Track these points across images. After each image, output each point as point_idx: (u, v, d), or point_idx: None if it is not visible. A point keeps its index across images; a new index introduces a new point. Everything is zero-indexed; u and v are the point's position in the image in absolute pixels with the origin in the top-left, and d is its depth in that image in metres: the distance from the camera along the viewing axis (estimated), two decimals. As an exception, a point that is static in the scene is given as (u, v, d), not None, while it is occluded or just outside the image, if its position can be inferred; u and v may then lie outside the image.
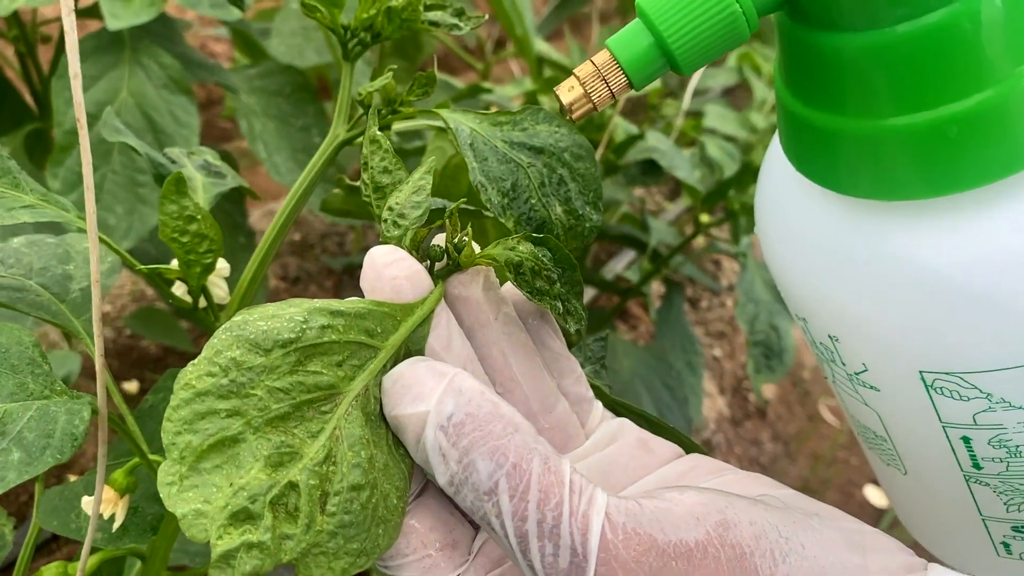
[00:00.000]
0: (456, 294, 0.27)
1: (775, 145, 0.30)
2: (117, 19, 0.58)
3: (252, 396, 0.21)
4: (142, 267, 0.33)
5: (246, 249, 0.70)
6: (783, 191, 0.29)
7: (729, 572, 0.22)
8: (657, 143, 0.76)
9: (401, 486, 0.24)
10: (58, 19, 0.75)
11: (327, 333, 0.23)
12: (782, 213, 0.29)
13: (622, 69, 0.25)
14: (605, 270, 1.29)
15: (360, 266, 0.26)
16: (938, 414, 0.27)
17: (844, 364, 0.29)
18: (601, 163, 0.80)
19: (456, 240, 0.27)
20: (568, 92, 0.26)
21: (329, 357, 0.23)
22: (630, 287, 0.93)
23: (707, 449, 1.24)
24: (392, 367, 0.24)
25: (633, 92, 0.27)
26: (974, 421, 0.27)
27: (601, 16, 2.38)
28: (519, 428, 0.23)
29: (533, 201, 0.31)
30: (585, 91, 0.26)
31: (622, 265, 1.25)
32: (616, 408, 0.35)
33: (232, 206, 0.71)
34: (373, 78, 0.35)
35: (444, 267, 0.27)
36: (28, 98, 0.77)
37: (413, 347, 0.25)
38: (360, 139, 0.36)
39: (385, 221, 0.28)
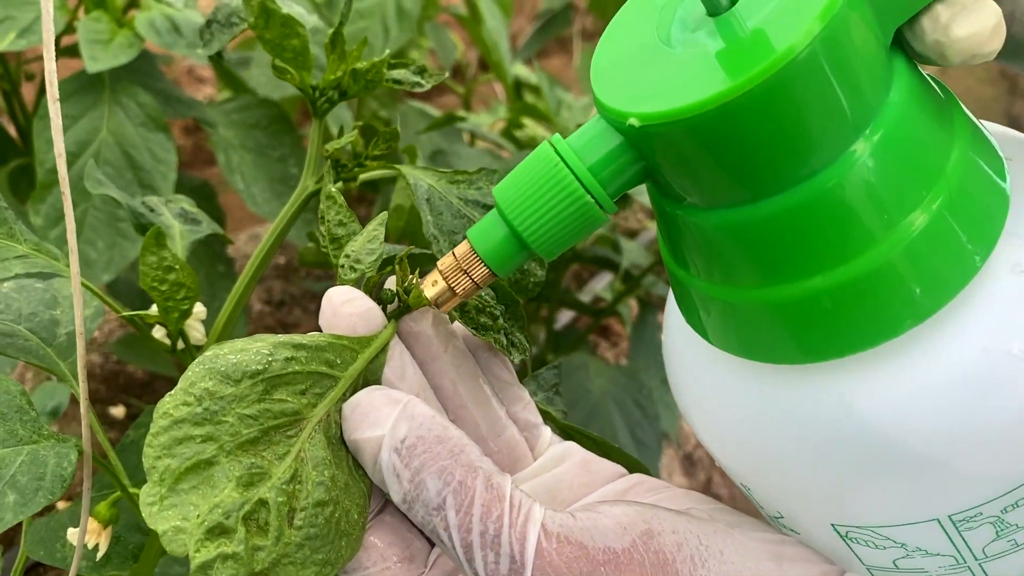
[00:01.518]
0: (408, 330, 0.29)
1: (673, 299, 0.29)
2: (96, 62, 0.60)
3: (224, 423, 0.24)
4: (124, 313, 0.36)
5: (225, 278, 0.72)
6: (685, 347, 0.28)
7: (652, 574, 0.24)
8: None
9: (361, 503, 0.26)
10: (41, 57, 0.78)
11: (291, 364, 0.25)
12: (687, 367, 0.28)
13: (482, 260, 0.26)
14: (585, 290, 1.32)
15: None
16: (859, 559, 0.27)
17: (763, 508, 0.29)
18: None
19: (406, 284, 0.29)
20: (432, 287, 0.27)
21: (293, 386, 0.25)
22: (603, 308, 0.95)
23: (689, 464, 1.27)
24: (351, 395, 0.26)
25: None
26: (896, 567, 0.27)
27: (584, 34, 2.41)
28: (465, 449, 0.25)
29: None
30: (448, 285, 0.27)
31: (602, 285, 1.27)
32: (567, 432, 0.37)
33: (211, 236, 0.73)
34: (358, 119, 0.38)
35: (396, 308, 0.30)
36: (13, 133, 0.79)
37: (371, 377, 0.27)
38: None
39: (342, 267, 0.30)
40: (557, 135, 0.25)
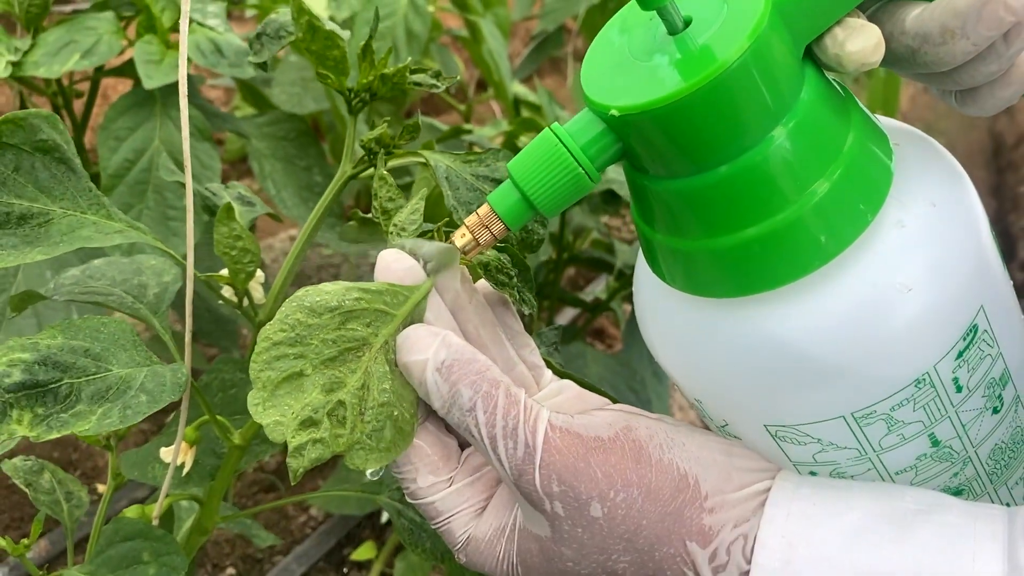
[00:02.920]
0: (442, 285, 0.37)
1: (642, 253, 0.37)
2: (151, 79, 0.69)
3: (311, 344, 0.32)
4: (202, 275, 0.43)
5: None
6: (650, 290, 0.36)
7: (630, 454, 0.32)
8: (615, 175, 0.87)
9: (412, 409, 0.34)
10: (88, 78, 0.86)
11: (360, 303, 0.33)
12: (651, 305, 0.36)
13: (499, 218, 0.33)
14: (585, 292, 1.40)
15: None
16: (787, 456, 0.35)
17: (712, 419, 0.36)
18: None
19: None
20: (461, 238, 0.34)
21: (361, 319, 0.33)
22: (601, 304, 1.03)
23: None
24: (403, 328, 0.34)
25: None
26: (815, 460, 0.34)
27: (577, 56, 2.50)
28: (490, 368, 0.33)
29: None
30: (474, 236, 0.34)
31: (600, 287, 1.35)
32: (564, 376, 0.45)
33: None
34: (371, 126, 0.46)
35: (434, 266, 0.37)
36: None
37: (416, 317, 0.35)
38: (363, 174, 0.46)
39: (391, 233, 0.38)
40: (556, 123, 0.33)
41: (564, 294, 1.02)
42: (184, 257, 0.41)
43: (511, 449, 0.32)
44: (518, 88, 1.57)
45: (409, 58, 1.08)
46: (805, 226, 0.30)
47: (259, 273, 0.46)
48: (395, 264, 0.35)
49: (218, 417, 0.41)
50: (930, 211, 0.32)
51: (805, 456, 0.34)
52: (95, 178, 0.81)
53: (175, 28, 0.77)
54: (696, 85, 0.28)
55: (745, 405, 0.34)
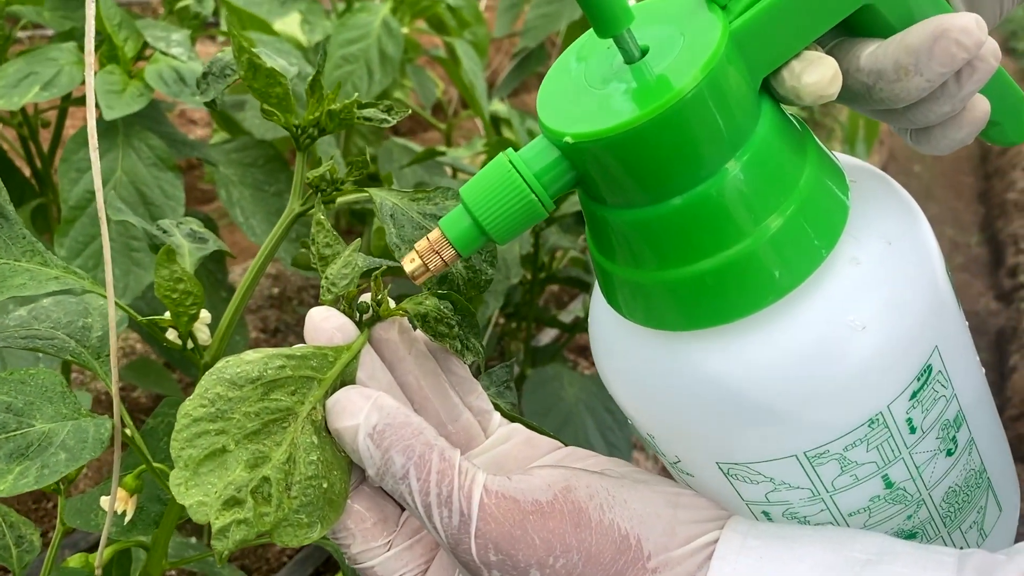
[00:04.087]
0: (378, 337, 0.36)
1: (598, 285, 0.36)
2: (112, 110, 0.68)
3: (232, 419, 0.31)
4: (142, 319, 0.43)
5: (226, 302, 0.79)
6: (604, 321, 0.35)
7: (570, 518, 0.31)
8: (588, 196, 0.87)
9: (344, 478, 0.33)
10: (55, 107, 0.85)
11: (283, 371, 0.32)
12: (604, 337, 0.35)
13: (450, 243, 0.32)
14: (569, 310, 1.39)
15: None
16: (739, 494, 0.34)
17: (664, 455, 0.36)
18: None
19: (379, 297, 0.36)
20: (410, 263, 0.33)
21: (285, 388, 0.32)
22: (580, 323, 1.03)
23: (657, 463, 1.32)
24: (332, 393, 0.33)
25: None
26: (767, 500, 0.33)
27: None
28: (424, 431, 0.32)
29: None
30: (423, 262, 0.33)
31: (579, 306, 1.35)
32: (513, 420, 0.45)
33: (215, 265, 0.81)
34: (345, 154, 0.45)
35: (370, 317, 0.37)
36: (28, 174, 0.87)
37: (347, 378, 0.34)
38: (311, 212, 0.46)
39: (323, 287, 0.37)
40: (510, 148, 0.32)
41: (541, 315, 1.01)
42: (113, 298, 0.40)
43: (446, 518, 0.31)
44: (498, 106, 1.57)
45: (362, 94, 1.07)
46: (759, 260, 0.29)
47: (204, 313, 0.45)
48: (324, 323, 0.34)
49: (156, 465, 0.41)
50: (885, 248, 0.31)
51: (758, 495, 0.33)
52: (46, 213, 0.81)
53: (139, 57, 0.76)
54: (650, 114, 0.27)
55: (697, 442, 0.33)
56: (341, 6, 1.29)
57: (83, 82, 0.72)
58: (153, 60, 0.74)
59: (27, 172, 0.88)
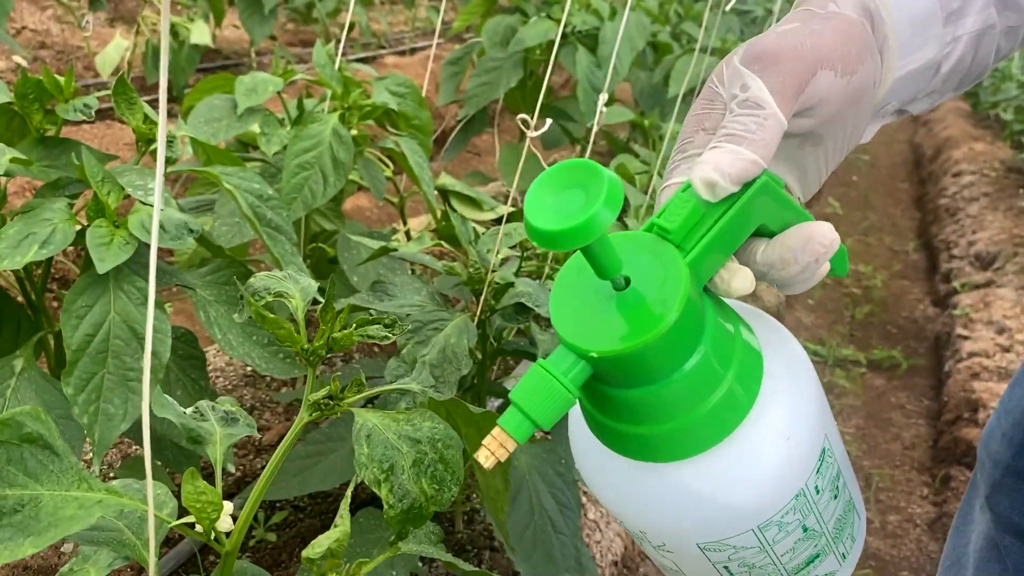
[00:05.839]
0: None
1: (576, 413, 0.48)
2: (104, 263, 0.79)
3: None
4: (174, 523, 0.53)
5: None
6: (596, 455, 0.47)
7: None
8: (524, 287, 0.98)
9: None
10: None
11: None
12: (597, 466, 0.47)
13: (510, 436, 0.41)
14: (511, 377, 1.51)
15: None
16: (709, 560, 0.47)
17: (651, 542, 0.48)
18: (484, 305, 1.02)
19: None
20: (485, 459, 0.41)
21: None
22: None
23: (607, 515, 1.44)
24: None
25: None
26: (729, 559, 0.46)
27: (502, 129, 2.64)
28: None
29: (403, 478, 0.52)
30: (493, 454, 0.41)
31: (523, 370, 1.47)
32: None
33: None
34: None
35: None
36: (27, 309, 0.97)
37: None
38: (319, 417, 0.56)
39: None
40: (541, 359, 0.41)
41: (491, 388, 1.13)
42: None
43: None
44: (445, 179, 1.69)
45: (333, 181, 1.18)
46: (714, 414, 0.42)
47: (227, 505, 0.55)
48: None
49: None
50: (788, 381, 0.45)
51: (723, 558, 0.47)
52: (46, 345, 0.91)
53: (122, 199, 0.87)
54: (648, 338, 0.39)
55: (680, 534, 0.46)
56: (294, 105, 1.41)
57: (74, 239, 0.82)
58: (135, 210, 0.85)
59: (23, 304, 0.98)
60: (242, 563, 0.58)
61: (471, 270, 1.01)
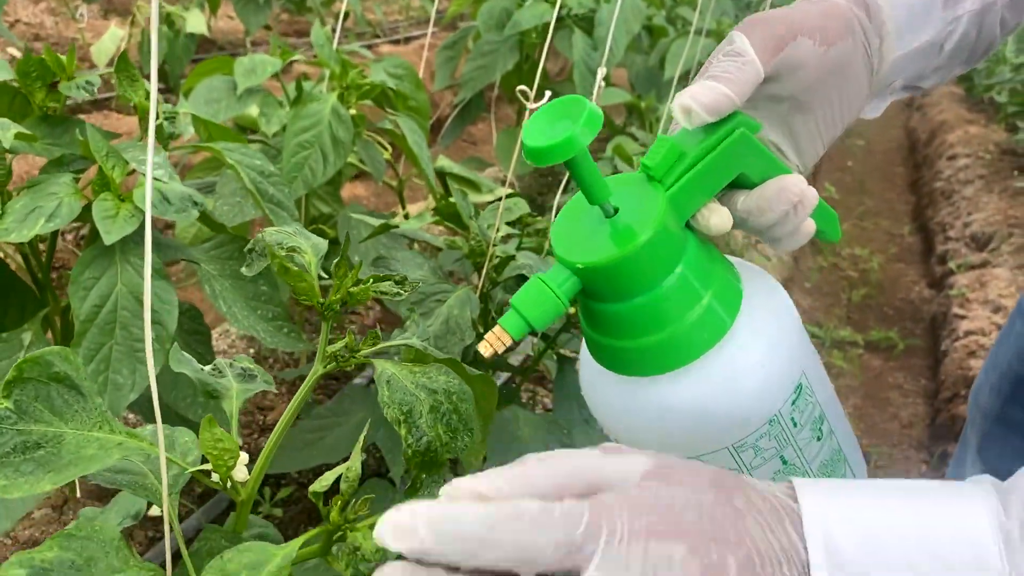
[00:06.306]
0: None
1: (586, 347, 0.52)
2: (110, 235, 0.80)
3: None
4: (192, 469, 0.54)
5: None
6: (592, 373, 0.51)
7: None
8: (526, 260, 0.99)
9: None
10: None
11: None
12: (593, 383, 0.51)
13: (508, 333, 0.45)
14: (515, 354, 1.52)
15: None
16: None
17: None
18: (486, 278, 1.03)
19: None
20: (485, 349, 0.46)
21: None
22: (528, 367, 1.15)
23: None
24: None
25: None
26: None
27: (498, 117, 2.64)
28: None
29: (421, 421, 0.53)
30: (492, 347, 0.45)
31: (528, 347, 1.48)
32: None
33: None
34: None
35: None
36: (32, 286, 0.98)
37: None
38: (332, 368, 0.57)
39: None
40: (539, 274, 0.46)
41: (494, 362, 1.14)
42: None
43: None
44: (443, 161, 1.70)
45: (333, 160, 1.19)
46: (692, 331, 0.46)
47: (243, 455, 0.56)
48: None
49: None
50: (765, 315, 0.48)
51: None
52: (51, 321, 0.92)
53: (127, 174, 0.88)
54: (625, 253, 0.44)
55: (664, 445, 0.49)
56: (292, 87, 1.41)
57: (80, 212, 0.83)
58: (139, 184, 0.86)
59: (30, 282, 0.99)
60: (255, 518, 0.59)
61: (472, 243, 1.02)
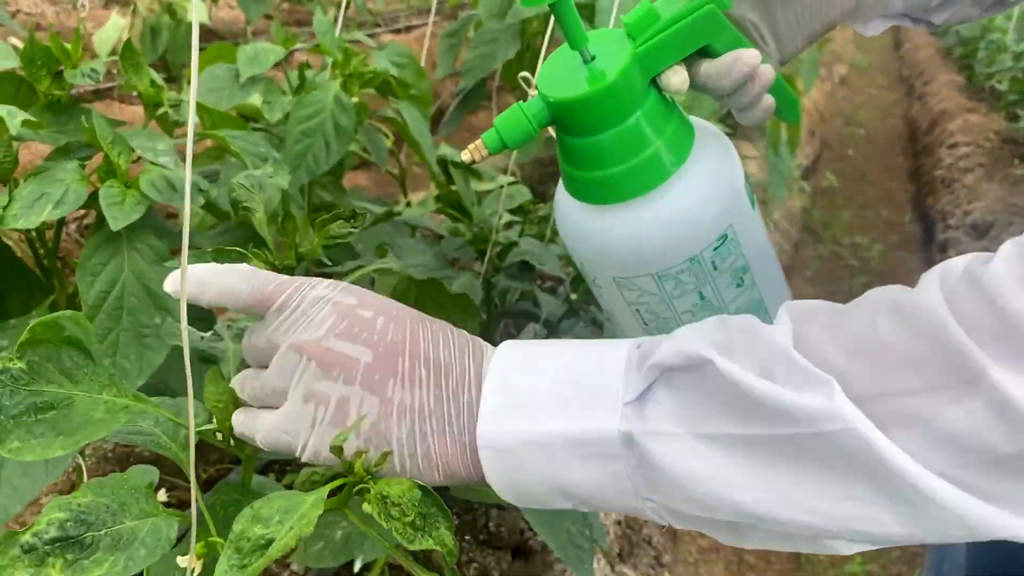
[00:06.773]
0: None
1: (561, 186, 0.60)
2: (117, 221, 0.80)
3: None
4: (199, 429, 0.55)
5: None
6: (563, 203, 0.59)
7: None
8: (528, 246, 1.00)
9: None
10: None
11: None
12: (563, 211, 0.59)
13: (486, 146, 0.55)
14: (524, 333, 1.53)
15: None
16: (624, 299, 0.58)
17: (588, 277, 0.60)
18: (489, 264, 1.04)
19: None
20: (465, 156, 0.55)
21: None
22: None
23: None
24: None
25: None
26: (638, 300, 0.58)
27: (498, 108, 2.64)
28: None
29: None
30: (472, 155, 0.55)
31: (531, 334, 1.49)
32: None
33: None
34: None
35: None
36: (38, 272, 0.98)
37: None
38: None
39: None
40: (519, 103, 0.54)
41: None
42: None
43: None
44: (445, 149, 1.70)
45: (336, 148, 1.19)
46: (646, 167, 0.54)
47: None
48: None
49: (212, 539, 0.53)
50: (707, 168, 0.56)
51: (632, 298, 0.59)
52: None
53: (132, 161, 0.88)
54: (591, 90, 0.52)
55: (604, 268, 0.58)
56: (295, 75, 1.42)
57: (86, 199, 0.84)
58: (145, 171, 0.86)
59: (36, 268, 0.99)
60: (262, 478, 0.60)
61: (475, 230, 1.03)
